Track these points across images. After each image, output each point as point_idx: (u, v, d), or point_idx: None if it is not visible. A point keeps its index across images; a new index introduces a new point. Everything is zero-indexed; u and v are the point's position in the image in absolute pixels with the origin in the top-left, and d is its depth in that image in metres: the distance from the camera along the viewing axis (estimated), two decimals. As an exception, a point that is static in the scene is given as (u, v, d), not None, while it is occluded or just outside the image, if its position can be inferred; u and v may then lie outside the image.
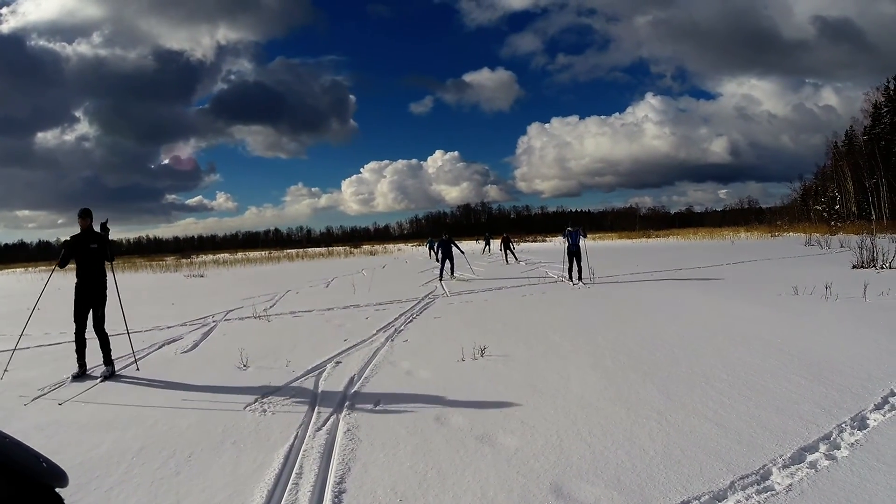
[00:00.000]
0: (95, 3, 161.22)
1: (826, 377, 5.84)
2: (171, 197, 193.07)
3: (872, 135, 50.73)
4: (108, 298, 7.34)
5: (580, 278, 16.17)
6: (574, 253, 16.29)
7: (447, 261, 19.76)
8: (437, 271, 20.29)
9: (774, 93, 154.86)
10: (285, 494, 3.82)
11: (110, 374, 7.19)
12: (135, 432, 5.12)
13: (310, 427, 5.10)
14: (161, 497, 3.85)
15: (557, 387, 6.00)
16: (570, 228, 16.52)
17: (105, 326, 7.33)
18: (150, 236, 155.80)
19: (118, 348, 7.70)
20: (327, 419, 5.29)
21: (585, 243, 16.81)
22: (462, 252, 19.63)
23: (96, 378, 7.12)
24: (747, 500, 3.50)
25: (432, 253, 34.90)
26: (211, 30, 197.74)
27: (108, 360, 7.30)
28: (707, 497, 3.55)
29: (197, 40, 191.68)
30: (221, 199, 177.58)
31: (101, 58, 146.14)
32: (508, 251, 29.75)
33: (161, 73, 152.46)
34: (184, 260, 61.31)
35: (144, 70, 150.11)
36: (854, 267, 16.63)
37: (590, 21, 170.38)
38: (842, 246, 25.59)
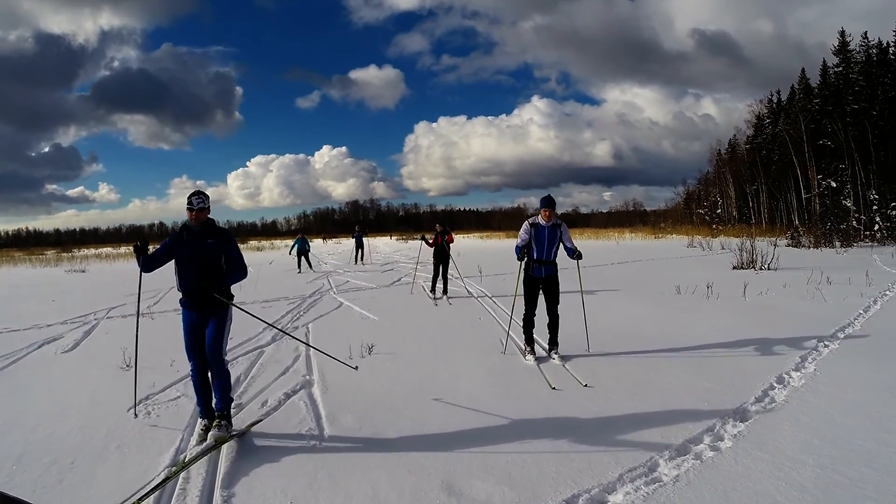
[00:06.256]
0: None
1: (708, 372, 6.12)
2: (51, 187, 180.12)
3: (754, 144, 53.92)
4: None
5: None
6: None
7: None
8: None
9: (656, 101, 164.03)
10: (173, 500, 3.65)
11: None
12: (14, 438, 4.79)
13: (196, 429, 4.84)
14: (44, 508, 3.55)
15: (446, 384, 5.99)
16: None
17: None
18: (30, 228, 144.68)
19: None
20: (213, 420, 5.04)
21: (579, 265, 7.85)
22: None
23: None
24: (636, 491, 3.56)
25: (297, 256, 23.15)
26: (94, 14, 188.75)
27: None
28: (597, 490, 3.59)
29: (79, 24, 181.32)
30: (104, 191, 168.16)
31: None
32: (444, 267, 13.02)
33: (41, 56, 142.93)
34: (65, 254, 57.87)
35: (24, 52, 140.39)
36: (734, 268, 17.64)
37: (473, 23, 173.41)
38: (723, 248, 27.06)
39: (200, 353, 4.81)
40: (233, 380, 6.24)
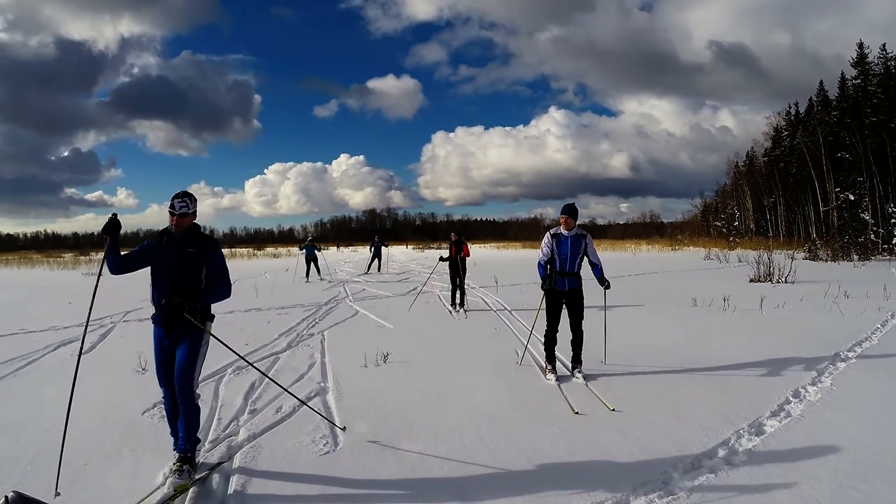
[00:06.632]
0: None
1: (724, 385, 6.07)
2: (70, 191, 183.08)
3: (772, 156, 53.63)
4: None
5: None
6: None
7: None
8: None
9: (673, 112, 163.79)
10: (186, 504, 3.66)
11: None
12: (29, 438, 4.84)
13: (210, 434, 4.89)
14: (55, 509, 3.57)
15: (461, 394, 5.98)
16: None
17: None
18: (49, 231, 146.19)
19: (10, 349, 7.17)
20: (228, 425, 5.10)
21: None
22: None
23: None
24: (650, 504, 3.55)
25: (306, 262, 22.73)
26: (114, 21, 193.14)
27: None
28: (611, 502, 3.57)
29: (100, 30, 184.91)
30: (122, 195, 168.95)
31: (2, 42, 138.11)
32: (460, 279, 12.59)
33: (62, 62, 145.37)
34: (82, 257, 58.40)
35: (45, 58, 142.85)
36: (751, 281, 17.50)
37: (491, 34, 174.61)
38: (739, 261, 26.90)
39: (172, 378, 4.19)
40: (248, 385, 6.30)
